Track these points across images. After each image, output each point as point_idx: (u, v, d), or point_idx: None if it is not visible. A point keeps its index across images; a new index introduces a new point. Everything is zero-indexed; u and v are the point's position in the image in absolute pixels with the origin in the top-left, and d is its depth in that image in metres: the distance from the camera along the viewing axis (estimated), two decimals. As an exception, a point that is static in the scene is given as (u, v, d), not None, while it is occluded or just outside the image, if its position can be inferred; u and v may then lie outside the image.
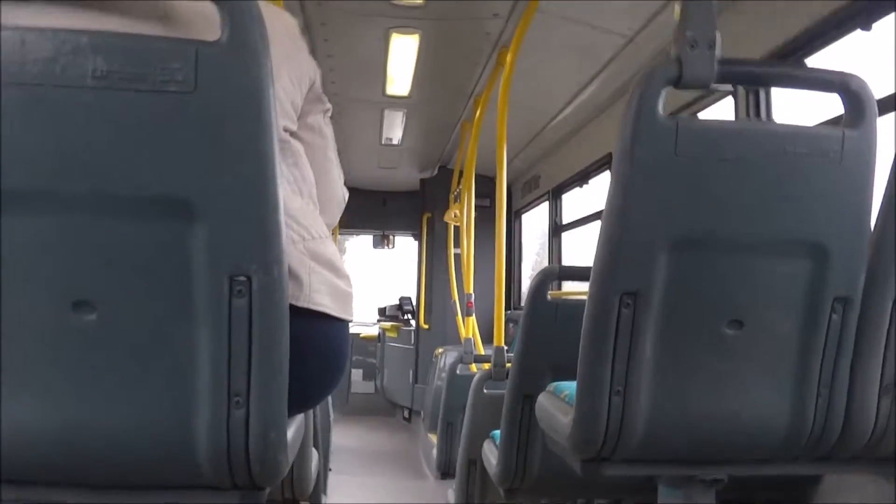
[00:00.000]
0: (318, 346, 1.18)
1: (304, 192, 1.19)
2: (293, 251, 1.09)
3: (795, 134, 1.16)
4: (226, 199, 0.91)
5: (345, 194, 1.39)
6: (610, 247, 1.18)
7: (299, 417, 1.26)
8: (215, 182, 0.90)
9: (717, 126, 1.19)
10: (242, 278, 0.92)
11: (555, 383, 1.59)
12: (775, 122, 1.23)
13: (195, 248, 0.91)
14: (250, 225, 0.92)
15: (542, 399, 1.59)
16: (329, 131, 1.31)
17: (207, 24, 0.94)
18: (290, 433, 1.06)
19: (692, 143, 1.13)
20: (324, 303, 1.14)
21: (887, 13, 1.94)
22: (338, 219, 1.40)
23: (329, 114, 1.30)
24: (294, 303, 1.06)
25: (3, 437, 0.92)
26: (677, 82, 1.13)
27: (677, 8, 1.13)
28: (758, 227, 1.17)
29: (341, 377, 1.26)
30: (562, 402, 1.46)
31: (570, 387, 1.44)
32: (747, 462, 1.31)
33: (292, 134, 1.18)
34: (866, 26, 2.00)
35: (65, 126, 0.87)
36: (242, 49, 0.89)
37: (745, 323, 1.19)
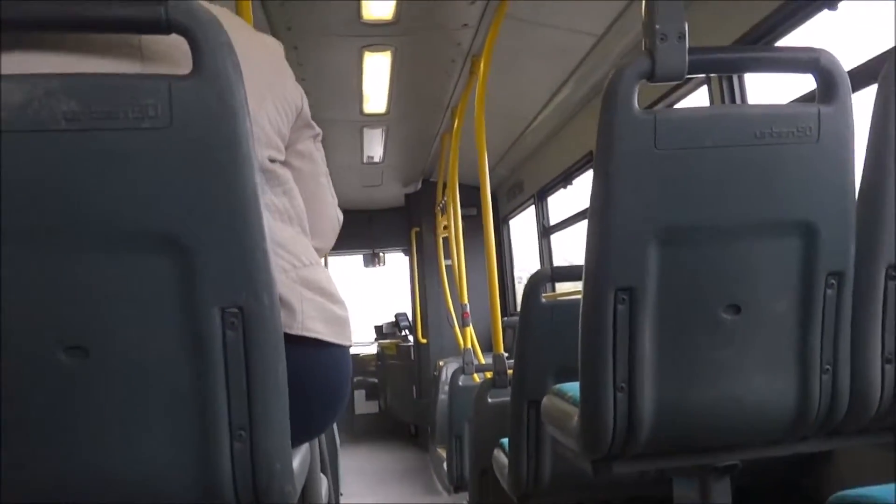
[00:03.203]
0: (316, 373, 1.16)
1: (295, 221, 1.18)
2: (284, 280, 1.08)
3: (771, 115, 1.16)
4: (210, 231, 0.90)
5: (339, 217, 1.37)
6: (599, 244, 1.18)
7: (305, 446, 1.25)
8: (198, 214, 0.89)
9: (694, 115, 1.19)
10: (234, 309, 0.91)
11: (558, 385, 1.59)
12: (751, 105, 1.24)
13: (183, 282, 0.90)
14: (237, 254, 0.91)
15: (547, 402, 1.58)
16: (320, 156, 1.30)
17: (185, 58, 0.93)
18: (296, 463, 1.05)
19: (671, 134, 1.13)
20: (317, 329, 1.13)
21: None
22: (333, 242, 1.38)
23: (319, 138, 1.29)
24: (287, 331, 1.05)
25: (4, 489, 0.90)
26: (650, 76, 1.13)
27: (644, 2, 1.14)
28: (744, 211, 1.17)
29: (343, 403, 1.25)
30: (567, 404, 1.46)
31: (573, 388, 1.44)
32: (758, 445, 1.31)
33: (282, 163, 1.17)
34: (832, 6, 2.01)
35: (42, 170, 0.86)
36: (215, 79, 0.88)
37: (742, 307, 1.20)
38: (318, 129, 1.28)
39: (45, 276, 0.88)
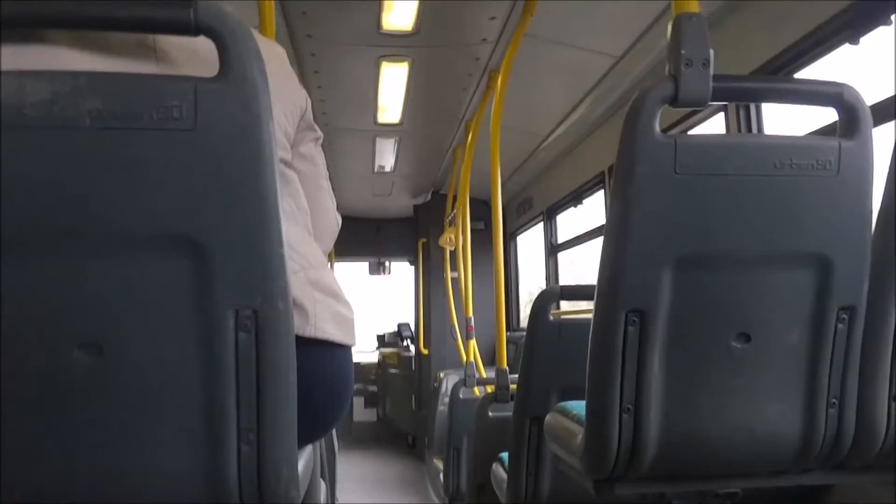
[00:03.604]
0: (324, 374, 1.17)
1: (301, 221, 1.19)
2: (295, 281, 1.08)
3: (793, 146, 1.16)
4: (229, 235, 0.90)
5: (338, 220, 1.39)
6: (613, 265, 1.19)
7: (308, 449, 1.25)
8: (218, 218, 0.90)
9: (715, 141, 1.19)
10: (248, 312, 0.91)
11: (562, 403, 1.59)
12: (772, 135, 1.25)
13: (199, 284, 0.90)
14: (254, 259, 0.91)
15: (551, 420, 1.58)
16: (321, 159, 1.31)
17: (203, 60, 0.94)
18: (300, 466, 1.05)
19: (691, 159, 1.14)
20: (329, 330, 1.14)
21: (875, 27, 1.95)
22: (331, 246, 1.40)
23: (320, 141, 1.30)
24: (300, 333, 1.05)
25: (11, 483, 0.90)
26: (673, 101, 1.13)
27: (670, 26, 1.14)
28: (760, 241, 1.17)
29: (347, 405, 1.25)
30: (571, 422, 1.45)
31: (578, 406, 1.44)
32: (761, 475, 1.30)
33: (287, 164, 1.18)
34: (854, 40, 2.02)
35: (65, 167, 0.86)
36: (241, 84, 0.89)
37: (753, 336, 1.20)
38: (319, 133, 1.29)
39: (62, 273, 0.88)
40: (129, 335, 0.90)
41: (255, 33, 1.16)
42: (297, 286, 1.09)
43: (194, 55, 0.97)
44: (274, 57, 1.17)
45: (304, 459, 1.17)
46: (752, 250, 1.18)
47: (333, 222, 1.37)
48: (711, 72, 1.12)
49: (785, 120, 2.50)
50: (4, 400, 0.89)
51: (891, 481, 1.38)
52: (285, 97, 1.15)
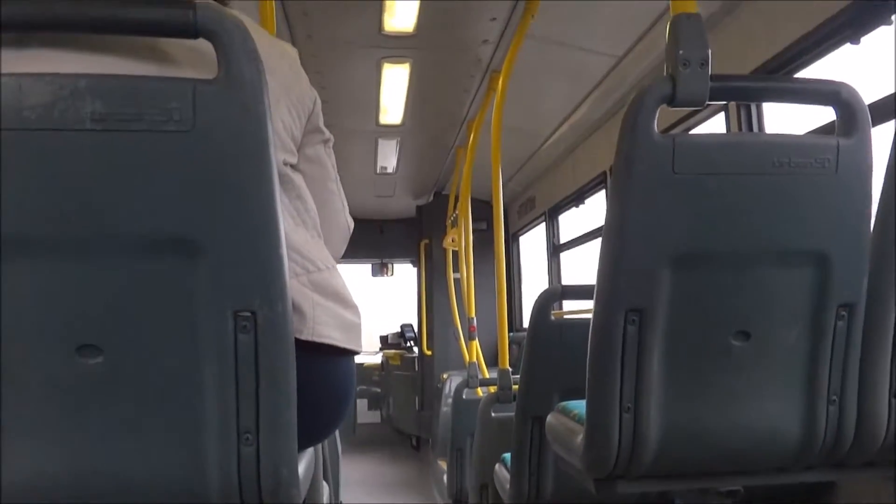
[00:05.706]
0: (324, 378, 1.17)
1: (308, 224, 1.18)
2: (295, 284, 1.08)
3: (791, 144, 1.17)
4: (228, 237, 0.90)
5: (349, 224, 1.37)
6: (612, 265, 1.19)
7: (309, 451, 1.25)
8: (217, 220, 0.90)
9: (713, 140, 1.19)
10: (247, 314, 0.91)
11: (563, 403, 1.59)
12: (770, 134, 1.25)
13: (199, 285, 0.90)
14: (253, 261, 0.91)
15: (552, 419, 1.58)
16: (330, 161, 1.30)
17: (204, 62, 0.94)
18: (301, 468, 1.05)
19: (689, 159, 1.14)
20: (330, 335, 1.13)
21: (875, 27, 1.95)
22: (343, 249, 1.38)
23: (330, 144, 1.29)
24: (298, 336, 1.05)
25: (10, 485, 0.91)
26: (671, 101, 1.14)
27: (668, 27, 1.14)
28: (759, 239, 1.18)
29: (349, 409, 1.25)
30: (572, 422, 1.46)
31: (579, 406, 1.44)
32: (762, 472, 1.30)
33: (293, 167, 1.18)
34: (855, 40, 2.02)
35: (65, 169, 0.87)
36: (240, 86, 0.89)
37: (752, 334, 1.20)
38: (328, 135, 1.28)
39: (60, 275, 0.88)
40: (128, 337, 0.90)
41: (266, 34, 1.16)
42: (297, 290, 1.09)
43: (197, 55, 0.97)
44: (283, 57, 1.16)
45: (306, 461, 1.17)
46: (751, 249, 1.18)
47: (344, 225, 1.35)
48: (709, 72, 1.13)
49: (790, 119, 2.50)
50: (3, 401, 0.89)
51: (892, 477, 1.38)
52: (293, 97, 1.15)
